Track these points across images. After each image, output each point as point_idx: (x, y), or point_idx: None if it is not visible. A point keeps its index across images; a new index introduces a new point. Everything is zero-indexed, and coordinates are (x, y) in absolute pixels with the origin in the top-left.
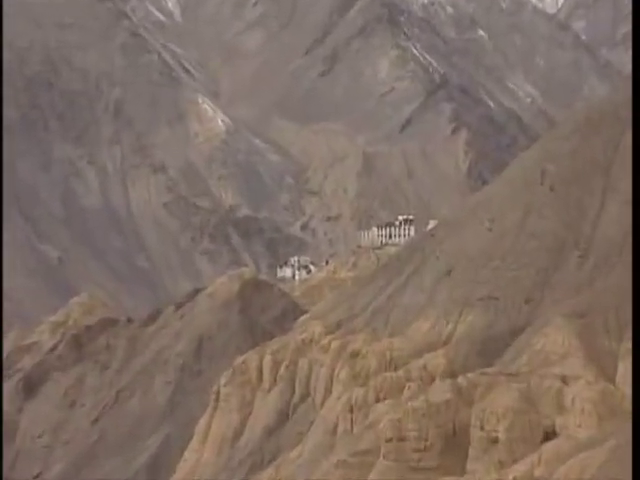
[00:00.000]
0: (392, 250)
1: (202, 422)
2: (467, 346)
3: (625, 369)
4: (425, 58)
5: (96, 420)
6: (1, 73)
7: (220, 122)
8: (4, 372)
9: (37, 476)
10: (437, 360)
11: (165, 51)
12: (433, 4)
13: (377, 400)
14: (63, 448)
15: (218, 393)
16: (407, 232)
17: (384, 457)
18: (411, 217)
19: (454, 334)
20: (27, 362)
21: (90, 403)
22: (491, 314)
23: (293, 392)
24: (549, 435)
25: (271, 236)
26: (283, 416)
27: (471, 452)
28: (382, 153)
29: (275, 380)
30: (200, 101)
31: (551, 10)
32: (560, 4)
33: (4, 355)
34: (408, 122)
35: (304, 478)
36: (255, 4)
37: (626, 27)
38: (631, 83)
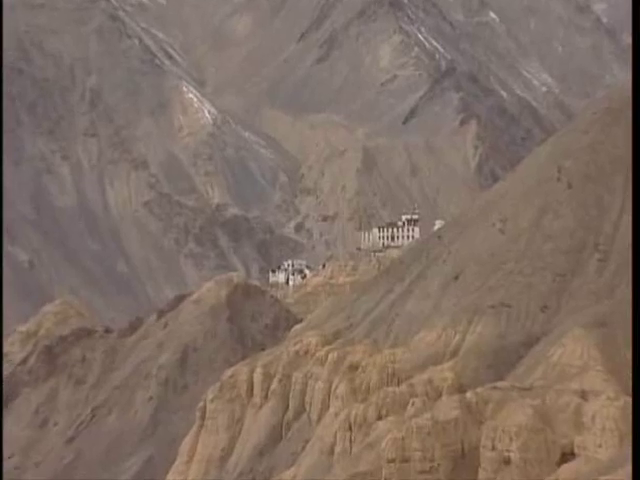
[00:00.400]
0: (395, 253)
1: (187, 441)
2: (477, 358)
3: None
4: (431, 44)
5: (71, 440)
6: (1, 72)
7: (207, 113)
8: None
9: None
10: (444, 374)
11: (146, 36)
12: None
13: (378, 417)
14: (35, 470)
15: (204, 409)
16: (411, 233)
17: None
18: (415, 217)
19: (462, 345)
20: None
21: (64, 421)
22: (503, 323)
23: (287, 408)
24: (567, 456)
25: (262, 238)
26: (276, 434)
27: (481, 474)
28: (383, 147)
29: (267, 395)
30: (185, 90)
31: None
32: None
33: None
34: (412, 113)
35: None
36: None
37: None
38: (631, 83)
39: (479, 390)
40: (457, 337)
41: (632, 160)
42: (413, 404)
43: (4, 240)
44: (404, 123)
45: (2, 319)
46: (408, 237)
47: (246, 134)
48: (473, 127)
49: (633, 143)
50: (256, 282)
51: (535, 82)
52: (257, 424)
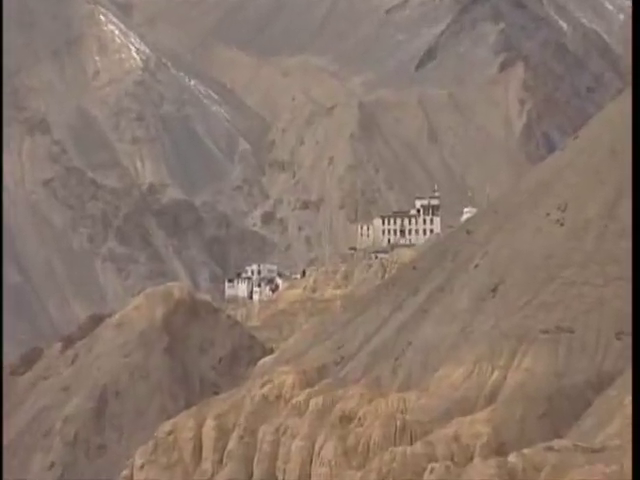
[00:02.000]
0: (406, 254)
1: None
2: (523, 406)
3: None
4: None
5: None
6: (1, 74)
7: (134, 53)
8: None
9: None
10: (476, 428)
11: None
12: None
13: None
14: None
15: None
16: (429, 226)
17: None
18: (435, 203)
19: (503, 387)
20: None
21: None
22: (562, 355)
23: (250, 477)
24: None
25: (215, 233)
26: None
27: None
28: (389, 102)
29: (221, 459)
30: (102, 20)
31: None
32: None
33: None
34: (429, 54)
35: None
36: None
37: None
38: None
39: (527, 451)
40: (495, 375)
41: (632, 157)
42: (432, 471)
43: None
44: (418, 68)
45: (2, 320)
46: (425, 231)
47: (191, 83)
48: (519, 73)
49: (633, 141)
50: (206, 296)
51: (608, 6)
52: None
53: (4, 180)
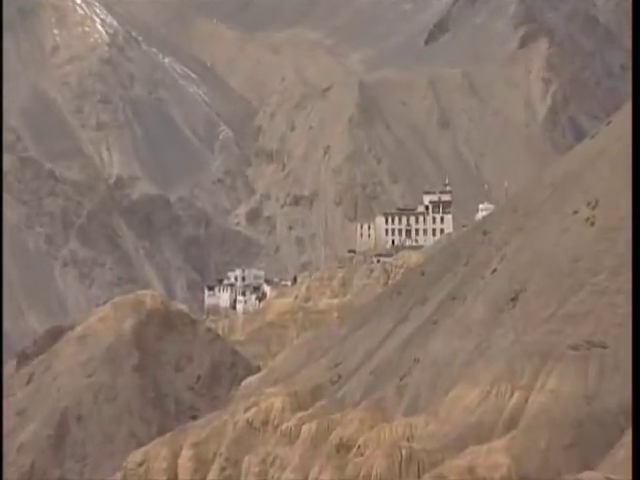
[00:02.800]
0: (412, 258)
1: None
2: (548, 432)
3: None
4: None
5: None
6: (1, 80)
7: (100, 26)
8: None
9: None
10: (494, 457)
11: None
12: None
13: None
14: None
15: None
16: (439, 225)
17: None
18: (447, 198)
19: (524, 411)
20: None
21: None
22: (592, 375)
23: None
24: None
25: (193, 233)
26: None
27: None
28: (393, 83)
29: None
30: None
31: None
32: None
33: None
34: (440, 27)
35: None
36: None
37: None
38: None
39: None
40: (516, 397)
41: (632, 157)
42: None
43: None
44: (428, 43)
45: (2, 319)
46: (434, 231)
47: (165, 61)
48: (542, 49)
49: (633, 141)
50: (183, 306)
51: None
52: None
53: None
